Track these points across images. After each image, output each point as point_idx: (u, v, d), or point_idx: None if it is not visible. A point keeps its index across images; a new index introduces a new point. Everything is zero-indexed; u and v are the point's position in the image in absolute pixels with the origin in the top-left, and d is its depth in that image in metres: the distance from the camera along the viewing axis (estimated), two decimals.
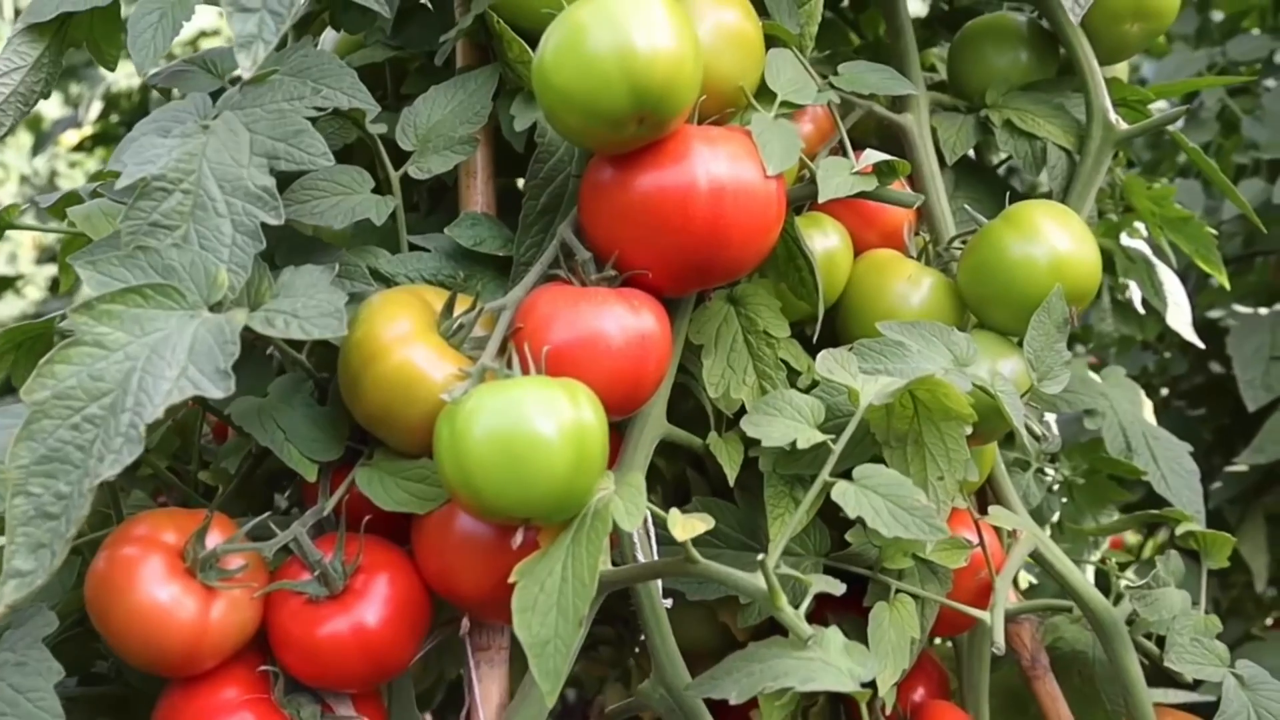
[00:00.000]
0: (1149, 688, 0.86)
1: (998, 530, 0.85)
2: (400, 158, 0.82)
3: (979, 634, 0.93)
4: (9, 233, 0.94)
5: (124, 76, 2.85)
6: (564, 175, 0.81)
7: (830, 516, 0.80)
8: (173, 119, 0.73)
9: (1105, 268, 1.15)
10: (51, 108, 3.68)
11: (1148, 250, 1.21)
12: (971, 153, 1.02)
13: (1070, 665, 1.00)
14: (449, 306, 0.75)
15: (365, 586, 0.73)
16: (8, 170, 4.17)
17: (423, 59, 0.94)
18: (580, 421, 0.64)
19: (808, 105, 0.83)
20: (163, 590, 0.68)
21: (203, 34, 2.88)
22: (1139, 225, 1.19)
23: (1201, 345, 1.26)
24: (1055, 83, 1.03)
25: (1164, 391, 2.06)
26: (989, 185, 1.05)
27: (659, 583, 0.79)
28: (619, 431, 0.80)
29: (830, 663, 0.65)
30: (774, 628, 0.75)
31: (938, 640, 1.07)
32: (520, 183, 0.83)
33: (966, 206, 0.92)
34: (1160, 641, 0.86)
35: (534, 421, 0.63)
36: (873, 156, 0.81)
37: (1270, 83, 1.99)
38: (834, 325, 0.90)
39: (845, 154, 0.83)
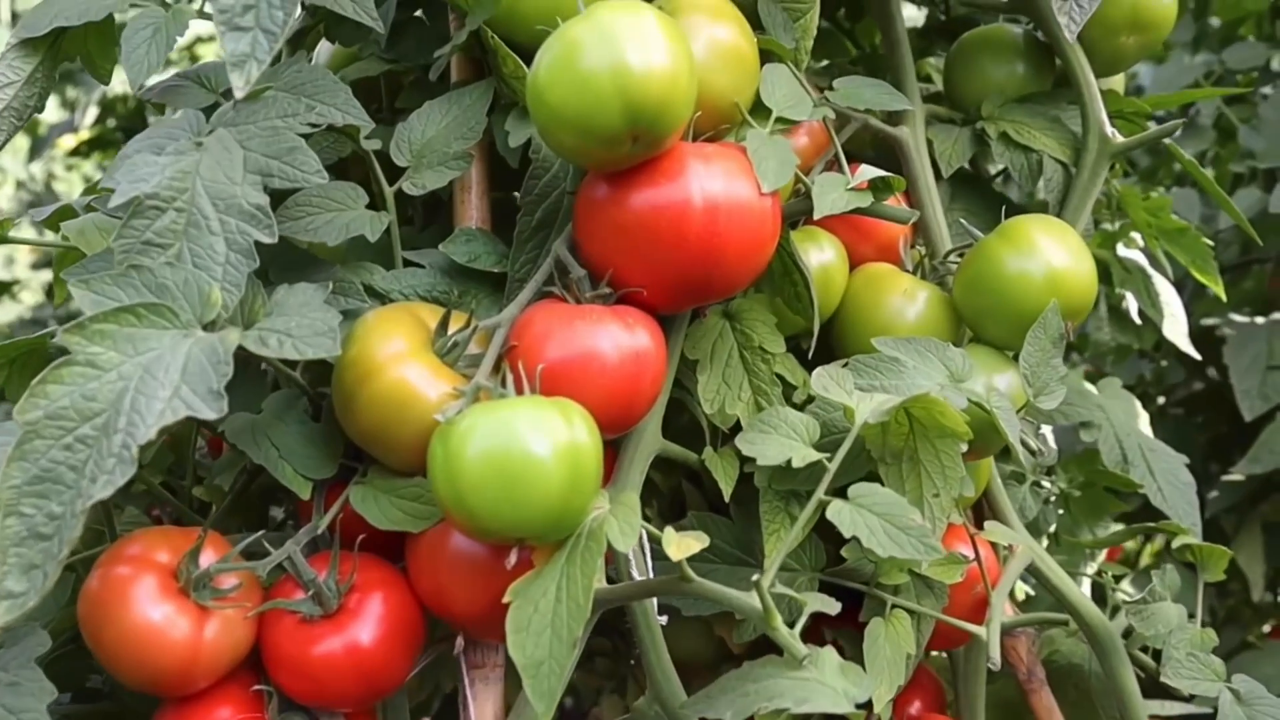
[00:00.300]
0: (1145, 700, 0.86)
1: (994, 544, 0.85)
2: (395, 172, 0.82)
3: (975, 648, 0.93)
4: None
5: (120, 82, 2.84)
6: (559, 191, 0.81)
7: (826, 531, 0.80)
8: (166, 136, 0.73)
9: (1102, 277, 1.16)
10: (48, 112, 3.67)
11: (1144, 261, 1.21)
12: (967, 164, 1.02)
13: (1066, 678, 0.99)
14: (443, 324, 0.74)
15: (359, 605, 0.73)
16: (4, 175, 4.17)
17: (418, 73, 0.94)
18: (574, 442, 0.64)
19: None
20: (156, 610, 0.68)
21: (199, 39, 2.88)
22: (1135, 235, 1.19)
23: (1198, 356, 1.26)
24: (1051, 95, 1.03)
25: (1161, 400, 2.06)
26: (985, 197, 1.05)
27: (654, 601, 0.79)
28: (614, 448, 0.80)
29: (825, 683, 0.65)
30: (770, 642, 0.74)
31: (934, 652, 1.06)
32: (516, 197, 0.83)
33: (962, 220, 0.92)
34: (1156, 655, 0.86)
35: (528, 442, 0.63)
36: (869, 172, 0.80)
37: (1267, 90, 1.99)
38: (830, 339, 0.90)
39: (841, 168, 0.83)
